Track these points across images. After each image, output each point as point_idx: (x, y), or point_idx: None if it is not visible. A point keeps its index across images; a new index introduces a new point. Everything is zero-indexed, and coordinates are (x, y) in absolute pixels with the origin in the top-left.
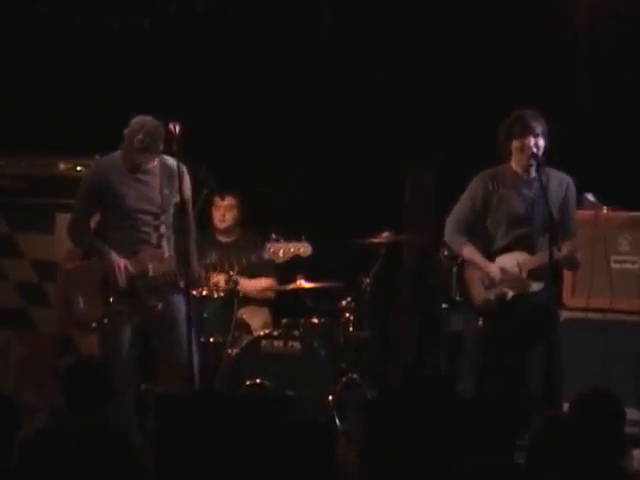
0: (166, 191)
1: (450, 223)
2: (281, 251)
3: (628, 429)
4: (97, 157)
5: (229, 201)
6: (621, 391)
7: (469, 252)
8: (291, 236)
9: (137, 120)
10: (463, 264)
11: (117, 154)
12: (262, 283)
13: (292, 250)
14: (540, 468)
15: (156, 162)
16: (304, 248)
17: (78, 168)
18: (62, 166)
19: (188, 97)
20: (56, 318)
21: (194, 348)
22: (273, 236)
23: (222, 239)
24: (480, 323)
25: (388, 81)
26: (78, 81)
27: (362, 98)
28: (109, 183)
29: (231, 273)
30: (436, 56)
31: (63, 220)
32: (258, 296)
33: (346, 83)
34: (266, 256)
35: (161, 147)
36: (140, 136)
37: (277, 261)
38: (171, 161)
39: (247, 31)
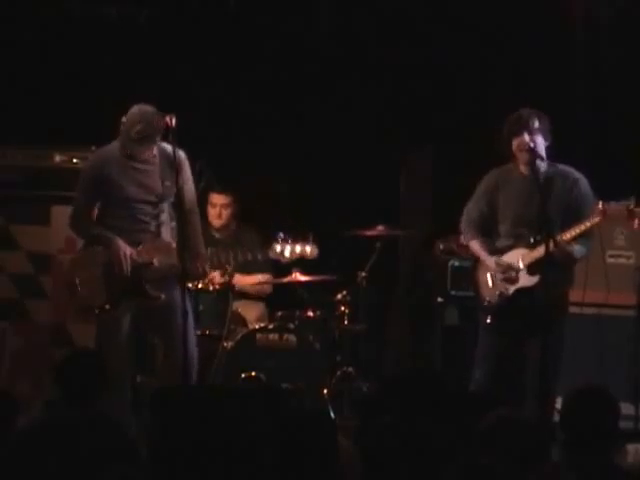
0: (167, 183)
1: (464, 215)
2: (287, 251)
3: (622, 424)
4: (93, 149)
5: (225, 199)
6: (616, 385)
7: (474, 245)
8: (298, 237)
9: (135, 110)
10: (475, 263)
11: (115, 144)
12: (258, 279)
13: (298, 251)
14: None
15: (155, 151)
16: (310, 249)
17: (74, 160)
18: (58, 158)
19: (185, 89)
20: (53, 309)
21: (193, 341)
22: (280, 235)
23: (217, 235)
24: (488, 321)
25: (387, 72)
26: (75, 72)
27: (359, 90)
28: (108, 174)
29: (227, 267)
30: (436, 48)
31: (59, 212)
32: (253, 290)
33: (344, 75)
34: (272, 255)
35: (158, 138)
36: (139, 127)
37: (282, 261)
38: (171, 149)
39: (245, 23)
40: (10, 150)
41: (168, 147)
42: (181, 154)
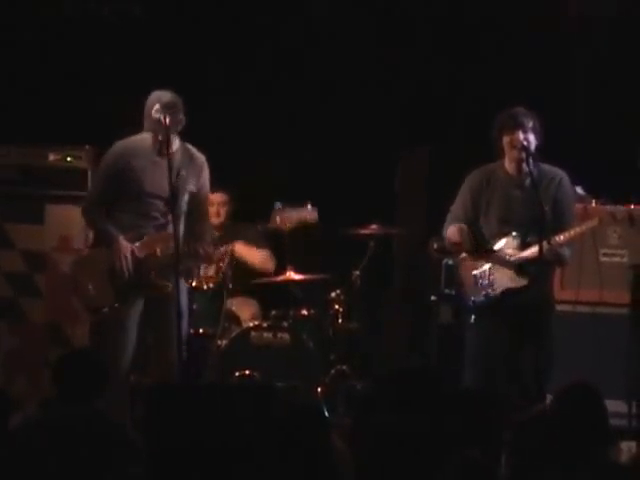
0: (183, 172)
1: (449, 215)
2: (288, 218)
3: (616, 422)
4: (87, 147)
5: (222, 197)
6: (610, 383)
7: (450, 232)
8: (296, 203)
9: (153, 94)
10: (459, 262)
11: (140, 137)
12: (259, 253)
13: (298, 216)
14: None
15: (177, 147)
16: (310, 214)
17: (68, 159)
18: (52, 157)
19: (184, 88)
20: (47, 307)
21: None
22: (278, 205)
23: (214, 233)
24: (472, 320)
25: (383, 72)
26: (69, 70)
27: (356, 90)
28: (130, 167)
29: (221, 265)
30: (435, 48)
31: (53, 210)
32: (257, 263)
33: (340, 73)
34: (273, 225)
35: (182, 118)
36: (157, 106)
37: (284, 229)
38: (194, 151)
39: (245, 23)
40: (4, 149)
41: (193, 148)
42: (202, 157)
